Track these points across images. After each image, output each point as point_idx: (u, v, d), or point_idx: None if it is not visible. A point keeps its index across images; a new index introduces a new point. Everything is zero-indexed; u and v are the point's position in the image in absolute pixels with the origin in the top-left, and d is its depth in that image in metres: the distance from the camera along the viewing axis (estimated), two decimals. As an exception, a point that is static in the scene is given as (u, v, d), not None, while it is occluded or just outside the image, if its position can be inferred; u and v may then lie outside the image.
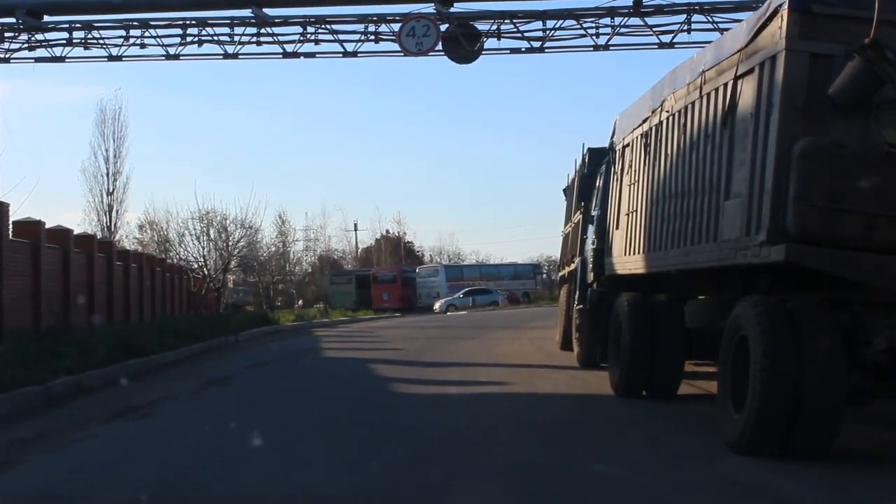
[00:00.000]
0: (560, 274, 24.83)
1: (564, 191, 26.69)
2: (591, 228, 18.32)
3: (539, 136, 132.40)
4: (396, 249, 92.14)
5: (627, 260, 14.09)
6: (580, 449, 9.81)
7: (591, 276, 17.93)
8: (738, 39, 10.13)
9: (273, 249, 62.76)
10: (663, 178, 12.48)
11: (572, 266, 21.21)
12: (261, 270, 56.18)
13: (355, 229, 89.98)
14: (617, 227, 14.96)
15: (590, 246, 18.04)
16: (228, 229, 42.33)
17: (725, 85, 10.39)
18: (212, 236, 41.83)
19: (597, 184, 18.58)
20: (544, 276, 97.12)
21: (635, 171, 13.99)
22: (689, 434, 10.65)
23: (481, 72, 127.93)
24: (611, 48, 23.93)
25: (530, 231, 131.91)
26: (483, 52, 24.18)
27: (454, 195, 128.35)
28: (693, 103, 11.43)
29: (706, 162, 10.83)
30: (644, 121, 13.61)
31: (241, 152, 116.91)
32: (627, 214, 14.19)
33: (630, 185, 14.20)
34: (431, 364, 19.57)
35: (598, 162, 19.34)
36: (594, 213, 18.20)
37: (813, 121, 8.92)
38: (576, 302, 18.98)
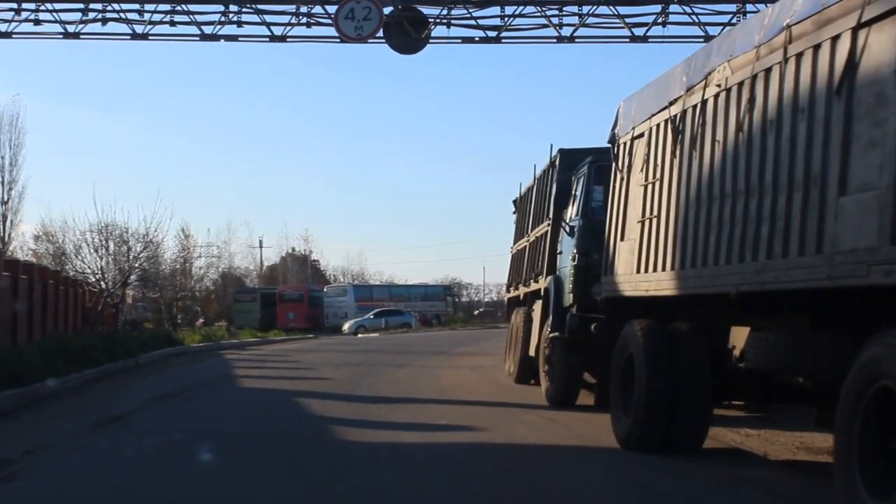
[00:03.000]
0: (512, 295, 21.90)
1: (515, 202, 23.84)
2: (568, 241, 15.42)
3: (449, 158, 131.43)
4: (303, 268, 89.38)
5: (643, 279, 11.15)
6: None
7: (569, 299, 15.04)
8: (861, -27, 7.27)
9: (177, 266, 59.09)
10: (710, 171, 9.59)
11: (534, 286, 18.32)
12: (162, 286, 52.39)
13: (260, 246, 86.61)
14: (622, 239, 12.05)
15: (568, 262, 15.14)
16: (129, 243, 39.07)
17: (835, 39, 7.51)
18: (111, 249, 38.58)
19: (574, 190, 15.72)
20: (455, 298, 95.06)
21: (656, 166, 11.08)
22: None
23: (396, 94, 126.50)
24: (577, 40, 21.11)
25: (437, 252, 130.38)
26: (430, 41, 21.17)
27: (364, 214, 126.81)
28: (767, 71, 8.56)
29: (797, 145, 7.94)
30: (672, 102, 10.73)
31: (143, 165, 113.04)
32: (642, 222, 11.28)
33: (646, 185, 11.29)
34: (372, 399, 16.47)
35: (570, 165, 16.56)
36: (572, 223, 15.33)
37: None
38: (547, 328, 16.05)
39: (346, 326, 63.55)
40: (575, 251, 14.88)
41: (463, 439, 12.00)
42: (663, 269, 10.58)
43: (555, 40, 21.03)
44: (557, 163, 17.27)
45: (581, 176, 15.50)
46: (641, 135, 11.70)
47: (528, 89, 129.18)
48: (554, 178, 17.30)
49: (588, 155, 16.03)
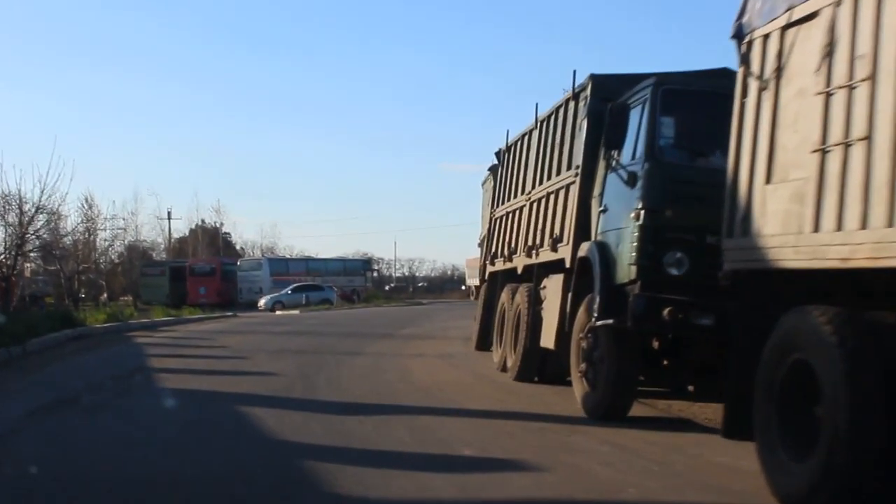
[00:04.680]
0: (502, 268, 17.60)
1: (498, 154, 19.57)
2: (623, 193, 11.20)
3: (358, 133, 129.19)
4: (214, 241, 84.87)
5: (830, 240, 6.89)
6: None
7: (627, 272, 10.83)
8: None
9: (79, 237, 53.89)
10: None
11: (547, 256, 14.18)
12: (62, 257, 47.25)
13: (169, 217, 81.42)
14: (769, 180, 7.82)
15: (626, 222, 10.93)
16: (24, 208, 34.23)
17: None
18: (9, 219, 33.84)
19: (631, 124, 11.41)
20: (375, 273, 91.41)
21: (855, 60, 6.83)
22: None
23: (306, 69, 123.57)
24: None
25: (347, 226, 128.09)
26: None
27: (274, 186, 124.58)
28: None
29: None
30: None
31: (40, 137, 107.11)
32: (822, 151, 7.03)
33: (830, 93, 7.04)
34: (342, 407, 12.09)
35: (608, 96, 12.39)
36: (632, 167, 11.09)
37: None
38: (584, 313, 11.81)
39: (261, 302, 59.61)
40: (639, 206, 10.65)
41: (524, 491, 7.72)
42: (889, 223, 6.34)
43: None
44: (589, 92, 13.00)
45: (640, 104, 11.26)
46: (811, 16, 7.44)
47: (439, 65, 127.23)
48: (584, 112, 13.02)
49: (632, 82, 11.94)
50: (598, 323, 11.13)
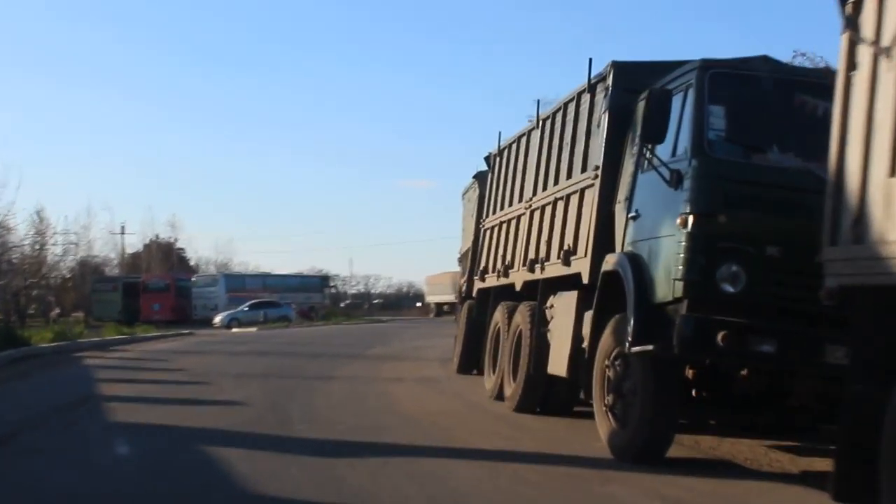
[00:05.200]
0: (495, 284, 15.84)
1: (488, 159, 17.86)
2: (664, 195, 9.47)
3: (313, 150, 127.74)
4: (168, 256, 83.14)
5: None
6: None
7: (671, 289, 9.09)
8: None
9: (27, 250, 51.68)
10: None
11: (555, 270, 12.49)
12: (9, 271, 45.08)
13: (122, 232, 79.54)
14: (893, 173, 6.06)
15: (675, 229, 9.15)
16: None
17: None
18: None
19: (672, 112, 9.64)
20: (333, 289, 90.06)
21: None
22: None
23: (260, 86, 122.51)
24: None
25: (302, 242, 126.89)
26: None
27: (229, 202, 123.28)
28: None
29: None
30: None
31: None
32: None
33: None
34: (324, 446, 10.26)
35: (632, 86, 10.77)
36: (676, 164, 9.36)
37: None
38: (612, 336, 10.06)
39: (217, 319, 57.86)
40: (687, 210, 8.92)
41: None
42: None
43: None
44: (611, 82, 11.28)
45: (682, 91, 9.55)
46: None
47: (397, 82, 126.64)
48: (605, 104, 11.31)
49: (660, 71, 10.31)
50: (634, 349, 9.37)
